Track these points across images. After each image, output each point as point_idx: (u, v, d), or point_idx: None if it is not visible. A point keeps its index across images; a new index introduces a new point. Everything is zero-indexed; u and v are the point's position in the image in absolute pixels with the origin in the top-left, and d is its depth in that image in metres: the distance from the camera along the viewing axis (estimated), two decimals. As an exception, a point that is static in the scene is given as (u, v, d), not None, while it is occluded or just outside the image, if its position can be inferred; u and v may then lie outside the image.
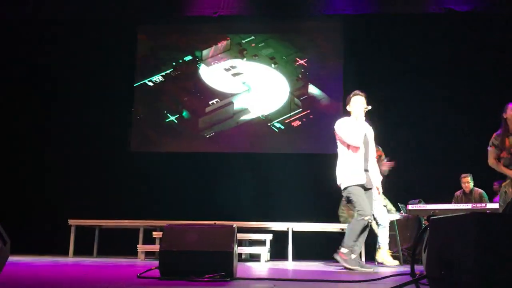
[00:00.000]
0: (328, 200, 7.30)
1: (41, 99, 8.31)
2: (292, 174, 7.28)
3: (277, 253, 6.80)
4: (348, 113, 4.55)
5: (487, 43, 7.21)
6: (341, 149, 4.45)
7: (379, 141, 5.04)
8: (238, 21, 8.41)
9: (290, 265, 5.60)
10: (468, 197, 6.49)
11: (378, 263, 5.55)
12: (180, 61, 8.52)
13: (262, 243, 6.36)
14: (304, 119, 8.20)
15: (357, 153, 4.32)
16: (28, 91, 8.25)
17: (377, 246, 5.56)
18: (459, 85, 7.51)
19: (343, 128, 4.40)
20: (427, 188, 6.94)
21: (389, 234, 6.16)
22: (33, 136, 8.19)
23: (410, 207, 5.77)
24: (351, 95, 4.51)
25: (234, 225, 3.03)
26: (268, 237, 6.29)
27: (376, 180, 4.51)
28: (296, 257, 6.52)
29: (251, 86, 8.35)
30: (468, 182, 6.49)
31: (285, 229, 6.57)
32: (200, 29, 8.57)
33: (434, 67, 7.64)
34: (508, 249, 1.57)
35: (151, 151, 8.36)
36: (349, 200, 4.36)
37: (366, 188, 4.30)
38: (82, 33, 8.31)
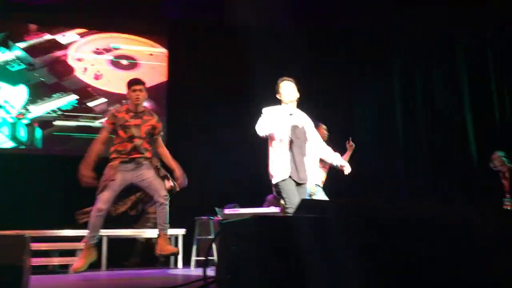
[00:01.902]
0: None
1: None
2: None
3: (93, 262, 6.39)
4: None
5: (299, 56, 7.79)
6: (269, 142, 3.99)
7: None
8: (53, 13, 7.70)
9: (101, 274, 5.31)
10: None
11: None
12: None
13: (73, 253, 5.92)
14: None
15: (285, 145, 3.83)
16: None
17: None
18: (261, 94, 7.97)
19: (263, 117, 3.90)
20: (248, 191, 7.21)
21: (206, 239, 6.29)
22: None
23: (226, 211, 5.98)
24: (279, 81, 4.01)
25: (26, 235, 2.71)
26: (80, 246, 5.86)
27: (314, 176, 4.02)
28: (113, 265, 6.23)
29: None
30: (279, 187, 6.96)
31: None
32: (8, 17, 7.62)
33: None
34: (288, 250, 1.66)
35: None
36: (279, 195, 3.92)
37: (298, 183, 3.85)
38: None
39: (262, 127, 3.86)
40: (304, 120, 4.05)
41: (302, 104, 4.14)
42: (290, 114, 3.94)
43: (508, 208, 6.01)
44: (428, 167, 7.53)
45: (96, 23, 7.97)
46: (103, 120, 7.31)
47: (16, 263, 2.57)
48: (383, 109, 8.28)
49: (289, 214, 3.63)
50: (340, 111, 7.94)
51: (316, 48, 8.00)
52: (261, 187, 7.21)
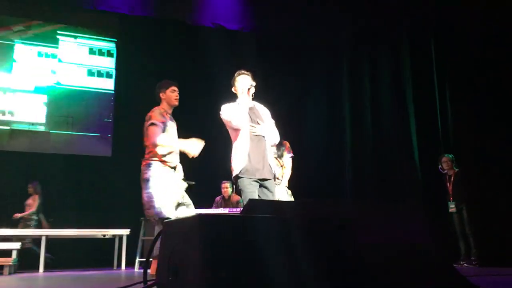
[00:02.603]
0: (92, 205, 6.93)
1: None
2: (53, 175, 6.65)
3: (32, 263, 6.14)
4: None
5: (250, 59, 7.80)
6: (232, 136, 3.80)
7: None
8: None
9: (39, 276, 5.07)
10: (226, 202, 6.92)
11: None
12: None
13: (9, 253, 5.62)
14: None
15: (246, 140, 3.67)
16: None
17: None
18: (222, 96, 7.95)
19: (226, 111, 3.74)
20: (199, 193, 7.09)
21: (151, 239, 6.15)
22: None
23: (173, 211, 5.87)
24: (236, 75, 3.84)
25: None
26: (15, 246, 5.57)
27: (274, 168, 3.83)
28: (53, 267, 5.99)
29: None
30: (227, 188, 6.91)
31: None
32: None
33: (199, 77, 7.87)
34: (230, 249, 1.62)
35: None
36: (240, 194, 3.74)
37: (261, 179, 3.65)
38: None
39: (231, 116, 3.71)
40: (263, 113, 3.89)
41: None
42: (248, 108, 3.79)
43: (454, 211, 6.17)
44: (374, 173, 7.70)
45: (43, 13, 7.66)
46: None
47: None
48: (332, 116, 8.42)
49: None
50: (290, 119, 8.02)
51: (265, 54, 8.03)
52: (212, 189, 7.17)
